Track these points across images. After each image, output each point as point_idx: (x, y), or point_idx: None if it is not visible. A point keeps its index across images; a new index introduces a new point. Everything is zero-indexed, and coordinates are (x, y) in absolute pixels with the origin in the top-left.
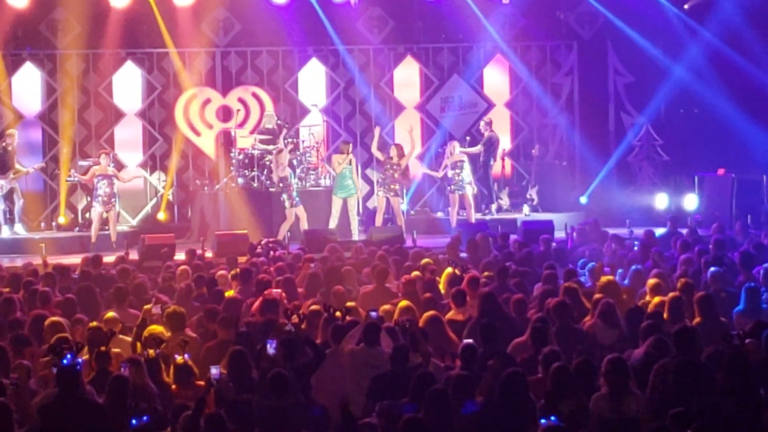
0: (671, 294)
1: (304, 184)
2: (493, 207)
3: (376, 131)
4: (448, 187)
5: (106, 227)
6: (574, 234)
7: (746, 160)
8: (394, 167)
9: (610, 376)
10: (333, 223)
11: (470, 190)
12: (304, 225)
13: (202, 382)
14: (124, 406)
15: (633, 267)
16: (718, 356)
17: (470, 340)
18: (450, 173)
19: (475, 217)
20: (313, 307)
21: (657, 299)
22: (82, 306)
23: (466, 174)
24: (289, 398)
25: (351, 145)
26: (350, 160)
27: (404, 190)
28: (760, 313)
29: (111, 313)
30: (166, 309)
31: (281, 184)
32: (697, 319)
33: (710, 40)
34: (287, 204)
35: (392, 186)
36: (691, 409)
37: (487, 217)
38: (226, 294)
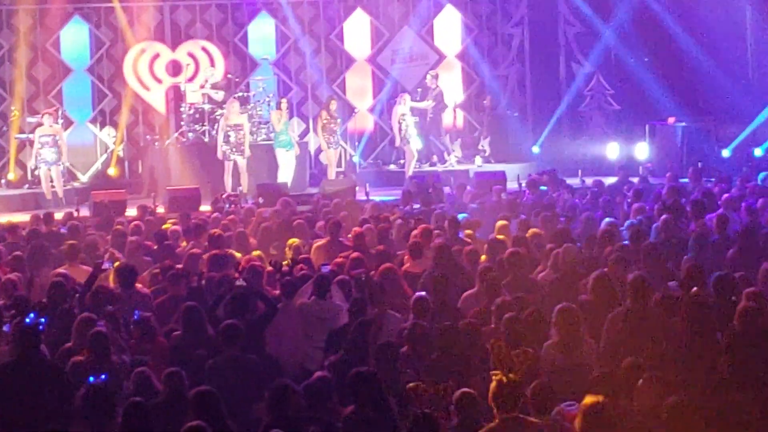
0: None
1: (256, 138)
2: (452, 158)
3: None
4: (399, 139)
5: (53, 184)
6: (523, 183)
7: (696, 108)
8: (333, 120)
9: (562, 325)
10: (281, 177)
11: (414, 144)
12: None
13: (163, 340)
14: (108, 361)
15: (583, 215)
16: (665, 303)
17: (422, 293)
18: (400, 125)
19: (415, 169)
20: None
21: (609, 248)
22: (33, 263)
23: (411, 127)
24: (241, 350)
25: (286, 100)
26: (287, 116)
27: (356, 143)
28: (708, 261)
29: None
30: (116, 264)
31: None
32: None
33: None
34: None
35: (331, 138)
36: (642, 356)
37: (440, 169)
38: (179, 249)
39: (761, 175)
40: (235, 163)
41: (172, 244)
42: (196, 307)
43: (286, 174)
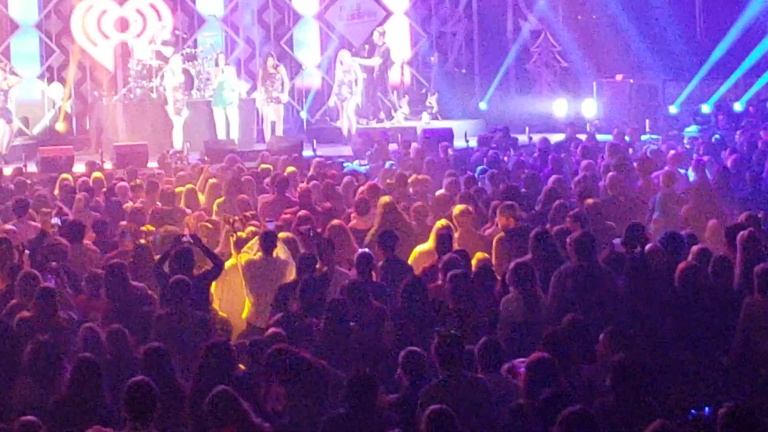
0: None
1: (203, 95)
2: (400, 115)
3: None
4: (337, 96)
5: None
6: (468, 140)
7: (644, 65)
8: (271, 77)
9: (518, 281)
10: (221, 134)
11: (356, 100)
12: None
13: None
14: (55, 317)
15: (530, 172)
16: (612, 260)
17: (366, 249)
18: (338, 82)
19: (362, 126)
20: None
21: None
22: None
23: (353, 82)
24: (187, 307)
25: (223, 56)
26: (226, 72)
27: (303, 100)
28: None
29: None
30: (65, 220)
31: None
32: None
33: None
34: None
35: (273, 94)
36: (591, 314)
37: (387, 125)
38: (126, 205)
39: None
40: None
41: (118, 199)
42: (120, 263)
43: (224, 131)
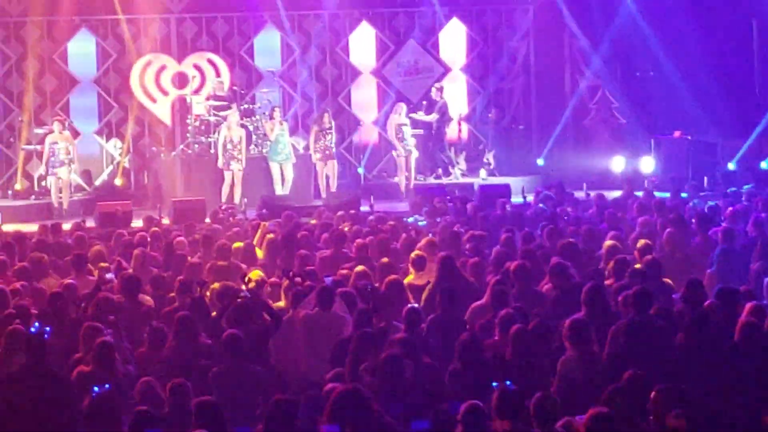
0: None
1: (261, 150)
2: (456, 171)
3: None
4: (394, 152)
5: (60, 194)
6: (526, 196)
7: (701, 122)
8: (327, 133)
9: (574, 338)
10: (278, 189)
11: (414, 155)
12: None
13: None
14: (112, 371)
15: (587, 228)
16: (669, 316)
17: (414, 305)
18: (395, 135)
19: (420, 181)
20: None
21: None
22: (38, 273)
23: (408, 138)
24: (244, 361)
25: (279, 110)
26: (282, 126)
27: (361, 156)
28: (731, 275)
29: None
30: (121, 274)
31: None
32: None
33: (664, 3)
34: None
35: (327, 151)
36: (647, 368)
37: (445, 182)
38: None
39: (745, 187)
40: (233, 174)
41: (181, 254)
42: (190, 316)
43: (279, 186)
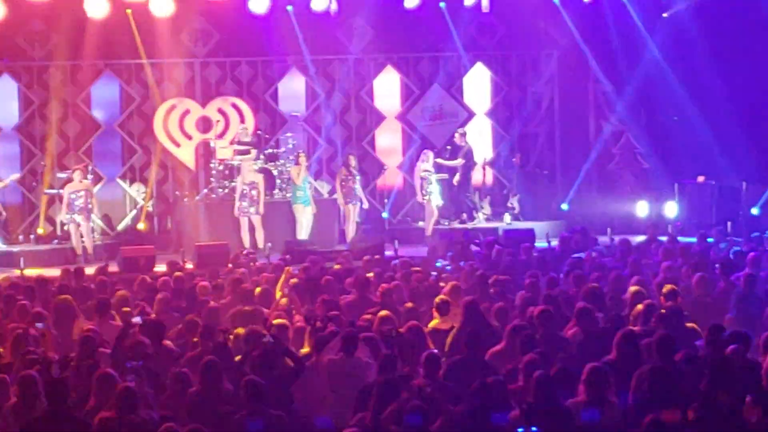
0: (646, 301)
1: (285, 195)
2: (481, 215)
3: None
4: (421, 198)
5: (82, 239)
6: (550, 241)
7: (726, 167)
8: (352, 176)
9: (590, 384)
10: (301, 234)
11: (435, 201)
12: (252, 234)
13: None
14: (134, 417)
15: (612, 274)
16: (693, 361)
17: (433, 350)
18: (422, 181)
19: (444, 226)
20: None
21: (640, 307)
22: (60, 318)
23: (433, 183)
24: (266, 406)
25: (305, 155)
26: (306, 171)
27: (385, 200)
28: (751, 320)
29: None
30: (145, 319)
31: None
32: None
33: (687, 49)
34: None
35: (350, 194)
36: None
37: (469, 226)
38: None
39: None
40: (250, 220)
41: (205, 299)
42: (215, 361)
43: (303, 230)
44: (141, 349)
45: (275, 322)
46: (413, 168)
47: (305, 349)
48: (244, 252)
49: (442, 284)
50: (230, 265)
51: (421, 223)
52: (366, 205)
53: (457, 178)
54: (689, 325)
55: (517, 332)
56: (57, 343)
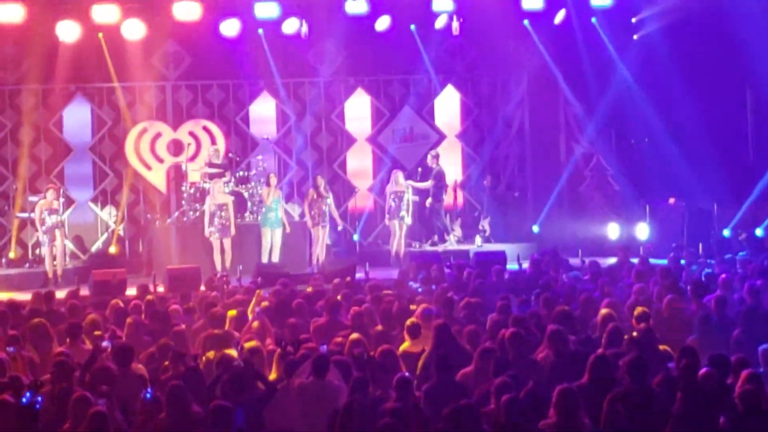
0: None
1: (256, 217)
2: (452, 238)
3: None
4: (387, 215)
5: (54, 262)
6: (522, 264)
7: (697, 188)
8: (321, 199)
9: (560, 407)
10: (265, 257)
11: (406, 221)
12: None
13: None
14: None
15: (582, 296)
16: (665, 384)
17: (405, 373)
18: (390, 203)
19: (414, 248)
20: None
21: (611, 329)
22: (34, 342)
23: (404, 205)
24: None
25: (275, 177)
26: (277, 193)
27: (356, 222)
28: (711, 342)
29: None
30: (115, 344)
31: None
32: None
33: (658, 71)
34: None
35: (318, 217)
36: None
37: (440, 249)
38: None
39: (740, 254)
40: (221, 242)
41: (176, 324)
42: (180, 387)
43: (271, 252)
44: (108, 374)
45: (246, 345)
46: (384, 190)
47: (273, 374)
48: (218, 275)
49: (413, 307)
50: (203, 288)
51: (389, 246)
52: (340, 226)
53: (429, 200)
54: (662, 347)
55: (488, 355)
56: (33, 366)
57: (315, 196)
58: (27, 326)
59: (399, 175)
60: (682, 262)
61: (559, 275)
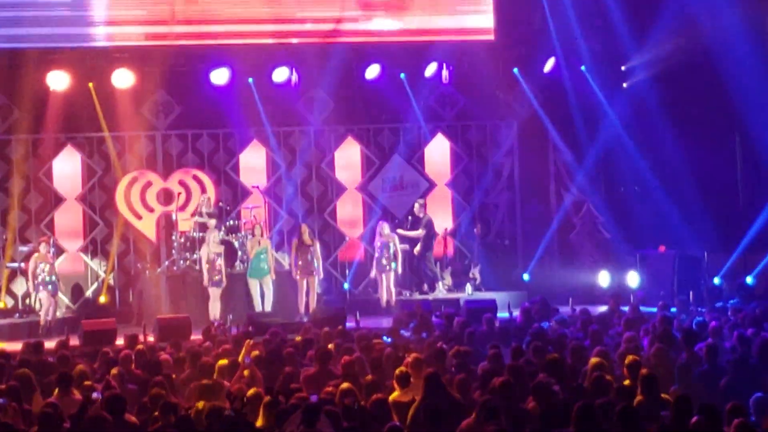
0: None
1: (246, 267)
2: (442, 286)
3: None
4: (375, 265)
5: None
6: (513, 312)
7: (687, 236)
8: (305, 247)
9: None
10: (257, 306)
11: (395, 270)
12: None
13: None
14: None
15: (571, 344)
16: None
17: (396, 422)
18: (377, 253)
19: (405, 297)
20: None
21: (601, 377)
22: (23, 393)
23: (391, 255)
24: None
25: (261, 227)
26: (263, 243)
27: (346, 271)
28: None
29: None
30: (106, 394)
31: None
32: (639, 398)
33: (647, 119)
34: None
35: (308, 267)
36: None
37: (430, 297)
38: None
39: (731, 302)
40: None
41: (168, 373)
42: None
43: (260, 303)
44: (101, 425)
45: (237, 395)
46: (374, 239)
47: (260, 421)
48: (216, 323)
49: (401, 354)
50: (201, 337)
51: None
52: (320, 275)
53: (417, 248)
54: (663, 395)
55: (482, 404)
56: (26, 417)
57: (298, 246)
58: (13, 376)
59: (384, 226)
60: (673, 310)
61: (549, 324)
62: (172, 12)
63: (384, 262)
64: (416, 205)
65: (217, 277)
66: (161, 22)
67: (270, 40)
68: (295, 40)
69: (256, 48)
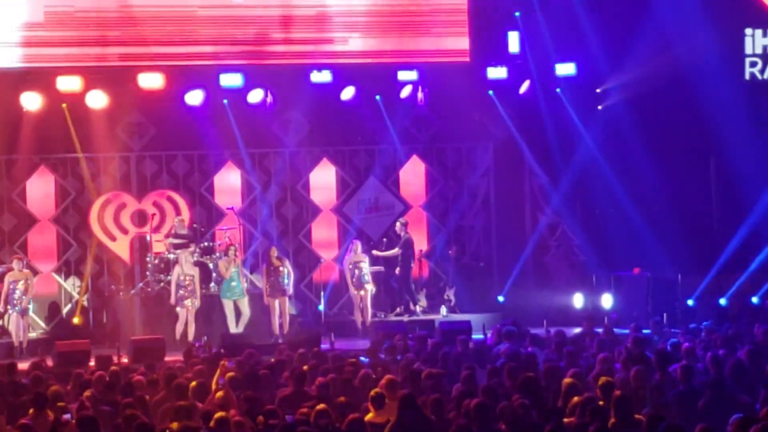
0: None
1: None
2: (418, 308)
3: None
4: (350, 285)
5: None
6: (489, 334)
7: (661, 259)
8: (275, 269)
9: None
10: (232, 327)
11: (369, 290)
12: (185, 327)
13: None
14: None
15: (545, 365)
16: None
17: None
18: (349, 273)
19: (379, 318)
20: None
21: (576, 399)
22: None
23: (364, 275)
24: None
25: (235, 248)
26: (237, 263)
27: (321, 292)
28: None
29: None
30: (79, 415)
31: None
32: (612, 420)
33: (622, 141)
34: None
35: (276, 288)
36: None
37: (405, 319)
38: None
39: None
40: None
41: (141, 395)
42: None
43: (234, 324)
44: None
45: (211, 416)
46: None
47: None
48: (197, 344)
49: (376, 376)
50: (182, 358)
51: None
52: (290, 292)
53: (398, 270)
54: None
55: (455, 428)
56: None
57: (267, 268)
58: None
59: (357, 245)
60: (647, 331)
61: (522, 346)
62: (139, 33)
63: (359, 281)
64: (398, 224)
65: (188, 298)
66: (138, 42)
67: (245, 62)
68: (270, 62)
69: (230, 69)
